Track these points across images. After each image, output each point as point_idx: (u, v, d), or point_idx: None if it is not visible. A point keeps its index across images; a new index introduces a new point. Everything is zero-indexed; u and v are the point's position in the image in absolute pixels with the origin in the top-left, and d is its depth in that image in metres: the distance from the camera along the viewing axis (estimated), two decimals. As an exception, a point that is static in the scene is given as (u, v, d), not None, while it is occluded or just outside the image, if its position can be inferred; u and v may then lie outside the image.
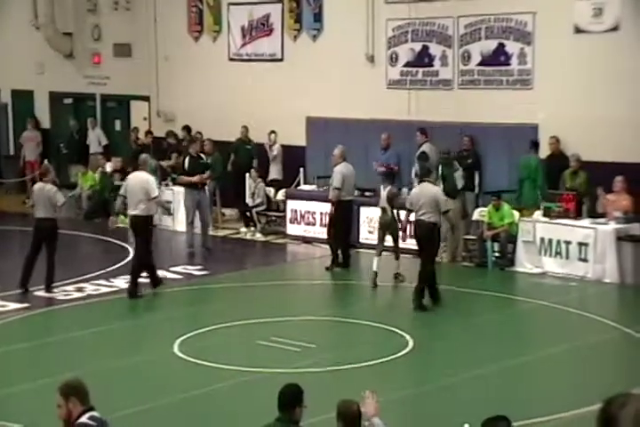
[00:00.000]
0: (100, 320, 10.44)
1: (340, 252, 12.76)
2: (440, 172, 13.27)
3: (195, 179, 13.94)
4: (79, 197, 17.12)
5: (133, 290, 11.20)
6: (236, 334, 9.87)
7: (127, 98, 18.71)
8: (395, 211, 11.69)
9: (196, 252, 13.96)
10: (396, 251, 11.88)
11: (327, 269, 12.66)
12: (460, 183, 13.26)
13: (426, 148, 14.09)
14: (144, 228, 11.25)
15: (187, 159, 14.23)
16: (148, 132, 17.57)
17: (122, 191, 11.50)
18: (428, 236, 10.54)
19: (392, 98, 14.98)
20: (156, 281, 11.46)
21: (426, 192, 10.64)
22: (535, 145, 13.40)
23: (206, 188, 14.38)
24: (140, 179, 11.32)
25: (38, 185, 11.65)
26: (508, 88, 13.98)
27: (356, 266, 13.19)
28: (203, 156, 14.50)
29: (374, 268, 11.69)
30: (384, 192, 11.89)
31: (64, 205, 11.63)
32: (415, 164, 13.95)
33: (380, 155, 14.68)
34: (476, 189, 13.80)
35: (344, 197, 12.70)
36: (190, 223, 14.13)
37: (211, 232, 14.73)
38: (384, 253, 13.32)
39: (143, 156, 12.07)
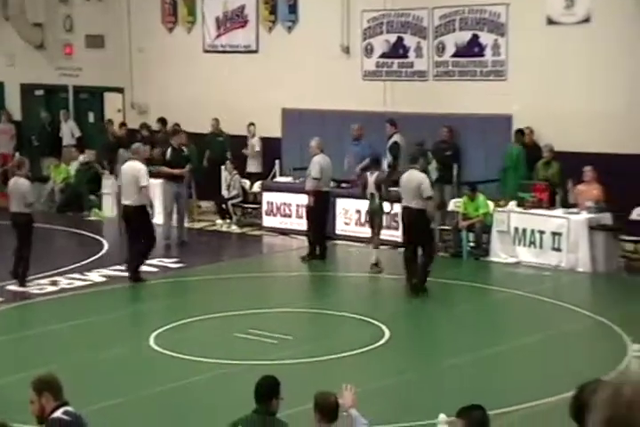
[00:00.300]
0: (75, 314, 10.39)
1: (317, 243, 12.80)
2: None
3: (177, 171, 13.93)
4: (52, 190, 16.99)
5: (138, 275, 11.41)
6: (212, 326, 9.87)
7: (100, 90, 18.56)
8: (381, 198, 11.81)
9: (172, 244, 13.93)
10: (376, 240, 11.90)
11: (302, 259, 12.64)
12: (434, 175, 13.30)
13: (397, 138, 14.13)
14: (137, 217, 11.35)
15: (169, 151, 14.22)
16: (122, 125, 17.45)
17: (118, 181, 11.81)
18: (415, 222, 10.64)
19: (368, 89, 15.01)
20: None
21: (412, 179, 10.73)
22: (519, 134, 13.38)
23: (184, 181, 14.36)
24: (132, 168, 11.43)
25: (13, 179, 11.61)
26: (482, 79, 14.05)
27: (332, 257, 13.21)
28: (184, 148, 14.46)
29: (372, 260, 11.82)
30: (372, 178, 11.95)
31: (32, 205, 11.55)
32: (387, 155, 13.97)
33: (351, 146, 14.70)
34: (454, 181, 13.85)
35: (321, 188, 12.69)
36: (168, 215, 14.08)
37: (187, 224, 14.71)
38: (359, 243, 13.35)
39: (136, 144, 12.18)
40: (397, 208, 11.74)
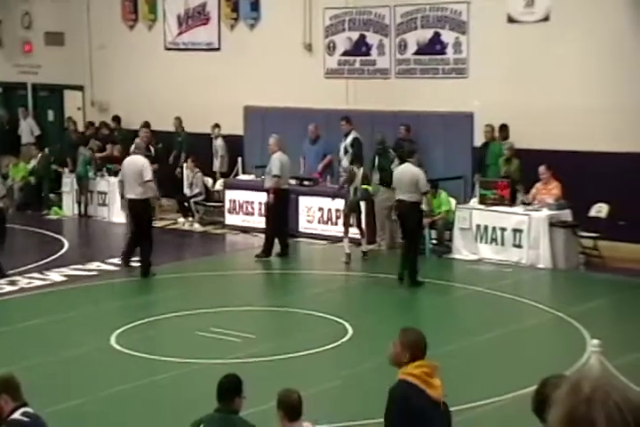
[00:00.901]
0: (34, 314, 10.23)
1: (277, 241, 12.75)
2: (376, 162, 13.34)
3: None
4: (11, 188, 16.75)
5: (147, 270, 11.55)
6: (174, 325, 9.79)
7: (60, 87, 18.33)
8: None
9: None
10: (362, 230, 12.46)
11: (257, 257, 12.54)
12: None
13: (355, 135, 14.13)
14: (142, 210, 11.53)
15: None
16: (90, 124, 17.24)
17: (119, 177, 11.93)
18: (409, 215, 10.80)
19: (330, 87, 15.03)
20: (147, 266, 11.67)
21: (406, 172, 10.87)
22: (503, 130, 13.23)
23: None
24: (135, 162, 11.61)
25: None
26: (444, 77, 14.12)
27: (295, 255, 13.18)
28: (150, 147, 14.33)
29: (346, 250, 12.25)
30: (360, 172, 12.36)
31: (4, 198, 11.44)
32: (345, 153, 13.98)
33: (307, 147, 14.64)
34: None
35: (281, 186, 12.67)
36: None
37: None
38: (322, 241, 13.37)
39: (137, 141, 12.40)
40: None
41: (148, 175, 11.43)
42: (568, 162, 12.61)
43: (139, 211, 11.53)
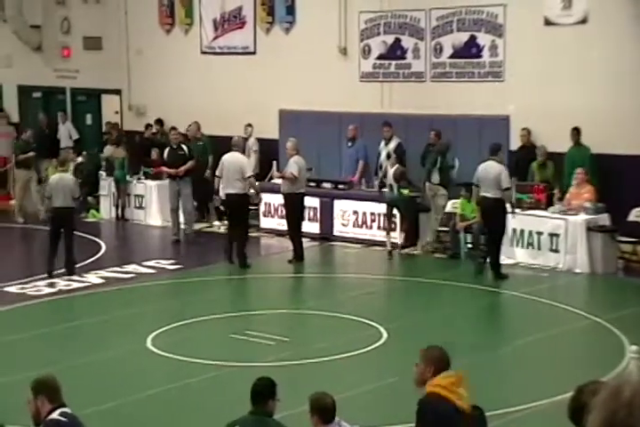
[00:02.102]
0: (72, 316, 10.35)
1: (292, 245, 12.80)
2: (438, 162, 13.26)
3: (172, 171, 14.06)
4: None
5: (244, 261, 12.16)
6: (209, 328, 9.83)
7: (98, 91, 18.53)
8: (400, 189, 12.80)
9: (182, 240, 13.99)
10: (404, 227, 12.84)
11: (290, 262, 12.63)
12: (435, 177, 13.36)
13: (396, 141, 14.11)
14: (241, 205, 12.13)
15: (166, 151, 14.28)
16: (154, 123, 17.19)
17: (217, 172, 12.38)
18: (492, 211, 11.23)
19: (365, 91, 15.00)
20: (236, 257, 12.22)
21: (489, 170, 11.28)
22: (575, 134, 12.78)
23: (187, 178, 14.23)
24: (236, 159, 12.25)
25: (58, 175, 12.12)
26: (480, 80, 14.04)
27: (330, 258, 13.19)
28: (183, 146, 14.51)
29: (388, 247, 12.74)
30: (391, 170, 12.82)
31: (79, 199, 12.35)
32: (387, 158, 13.97)
33: (346, 147, 14.66)
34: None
35: (297, 190, 12.61)
36: (174, 210, 14.15)
37: (183, 226, 14.72)
38: (356, 245, 13.36)
39: (235, 138, 12.88)
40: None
41: (249, 172, 12.20)
42: (607, 165, 12.46)
43: (237, 205, 12.08)
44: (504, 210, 11.35)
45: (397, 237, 13.17)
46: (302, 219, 12.97)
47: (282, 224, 14.48)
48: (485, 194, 11.31)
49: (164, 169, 14.43)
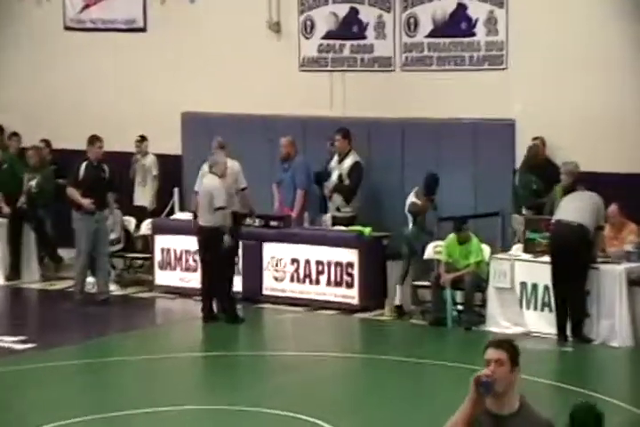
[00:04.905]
0: None
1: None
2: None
3: (85, 202, 14.01)
4: None
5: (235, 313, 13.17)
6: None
7: None
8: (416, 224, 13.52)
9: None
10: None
11: (204, 320, 13.12)
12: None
13: (356, 158, 14.34)
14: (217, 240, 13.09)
15: (82, 167, 14.28)
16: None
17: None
18: (579, 244, 11.96)
19: (307, 84, 15.27)
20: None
21: (583, 197, 12.29)
22: None
23: (107, 211, 14.43)
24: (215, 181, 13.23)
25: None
26: (472, 69, 14.37)
27: (255, 329, 13.27)
28: (105, 166, 14.48)
29: (397, 302, 13.03)
30: (410, 199, 13.60)
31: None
32: (339, 182, 14.17)
33: (280, 170, 14.80)
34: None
35: (216, 224, 12.96)
36: (84, 265, 14.37)
37: (37, 285, 14.75)
38: (296, 307, 13.50)
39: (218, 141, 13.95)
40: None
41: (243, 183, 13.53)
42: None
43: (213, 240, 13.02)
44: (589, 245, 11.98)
45: (355, 295, 13.36)
46: (235, 262, 13.39)
47: (187, 280, 14.57)
48: (567, 218, 11.95)
49: (76, 196, 14.18)
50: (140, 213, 15.79)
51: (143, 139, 15.99)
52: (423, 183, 13.63)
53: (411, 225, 13.57)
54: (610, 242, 12.50)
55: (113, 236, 15.41)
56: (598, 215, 12.16)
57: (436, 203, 13.66)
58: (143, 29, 16.59)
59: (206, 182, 13.21)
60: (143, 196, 16.09)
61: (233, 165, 13.49)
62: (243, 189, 13.49)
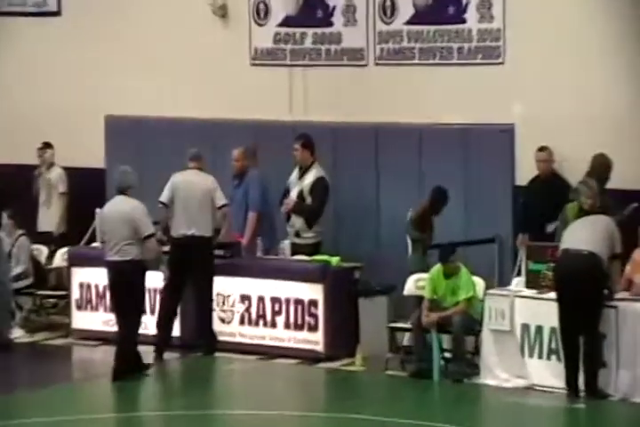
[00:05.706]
0: None
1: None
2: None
3: None
4: None
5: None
6: None
7: None
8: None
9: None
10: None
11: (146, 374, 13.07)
12: None
13: (320, 173, 14.35)
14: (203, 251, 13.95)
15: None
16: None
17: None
18: (590, 276, 11.97)
19: (261, 82, 15.36)
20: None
21: (596, 220, 12.26)
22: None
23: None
24: (204, 182, 14.03)
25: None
26: (462, 63, 14.44)
27: (198, 382, 13.18)
28: None
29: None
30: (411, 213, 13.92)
31: None
32: (293, 198, 14.16)
33: (232, 187, 14.79)
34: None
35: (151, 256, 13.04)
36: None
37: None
38: (248, 356, 13.43)
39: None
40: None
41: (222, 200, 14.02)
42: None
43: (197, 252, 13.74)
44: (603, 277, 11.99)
45: (319, 340, 13.29)
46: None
47: (111, 323, 14.48)
48: (577, 247, 11.94)
49: None
50: (47, 241, 15.67)
51: (47, 146, 15.95)
52: (429, 199, 13.80)
53: (410, 250, 13.56)
54: (635, 285, 12.52)
55: (18, 269, 15.31)
56: (613, 241, 12.13)
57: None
58: (57, 13, 16.64)
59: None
60: (48, 219, 15.97)
61: (206, 180, 13.85)
62: (221, 207, 13.83)
